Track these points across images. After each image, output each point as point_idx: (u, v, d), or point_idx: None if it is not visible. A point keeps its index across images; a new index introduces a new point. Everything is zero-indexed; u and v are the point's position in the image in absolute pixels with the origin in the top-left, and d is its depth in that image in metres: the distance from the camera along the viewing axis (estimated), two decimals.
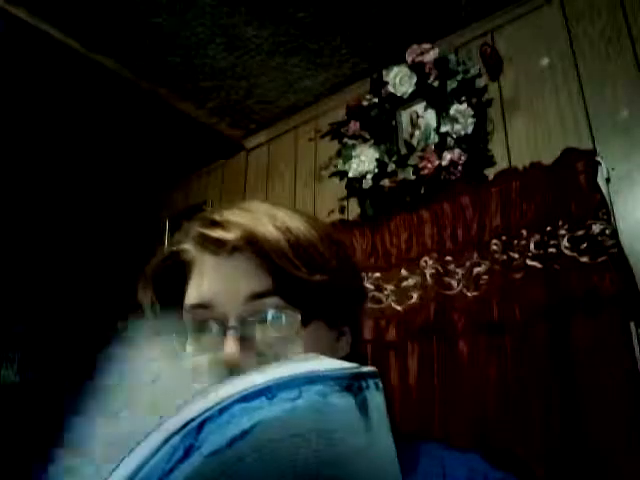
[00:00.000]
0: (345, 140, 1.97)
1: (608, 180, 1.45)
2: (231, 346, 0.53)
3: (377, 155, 1.85)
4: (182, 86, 2.14)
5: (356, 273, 0.71)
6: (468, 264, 1.57)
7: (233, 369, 0.52)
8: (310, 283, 0.56)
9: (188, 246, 0.61)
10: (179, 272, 0.61)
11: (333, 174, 2.00)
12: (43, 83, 2.03)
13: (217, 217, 0.59)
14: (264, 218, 0.58)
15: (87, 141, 2.38)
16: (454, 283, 1.58)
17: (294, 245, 0.56)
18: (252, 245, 0.56)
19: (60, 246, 2.73)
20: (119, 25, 1.83)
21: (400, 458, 0.57)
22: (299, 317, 0.56)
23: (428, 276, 1.63)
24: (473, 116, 1.69)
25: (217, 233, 0.57)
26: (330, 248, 0.60)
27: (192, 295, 0.58)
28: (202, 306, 0.57)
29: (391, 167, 1.82)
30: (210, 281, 0.57)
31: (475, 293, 1.53)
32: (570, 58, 1.64)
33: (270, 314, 0.56)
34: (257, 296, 0.55)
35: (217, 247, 0.57)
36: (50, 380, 2.48)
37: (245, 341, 0.54)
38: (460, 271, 1.58)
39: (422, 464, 0.57)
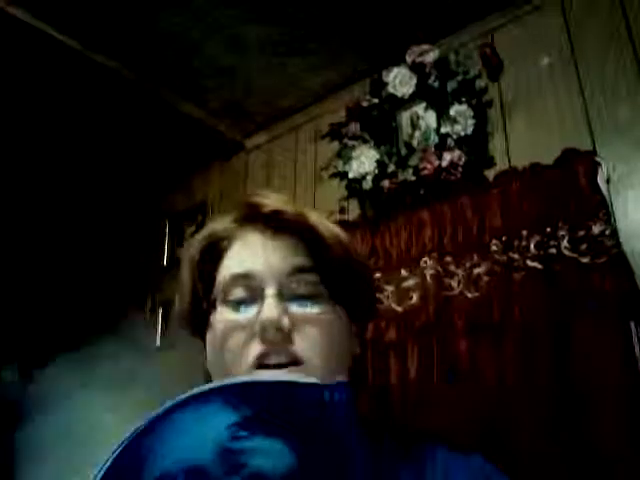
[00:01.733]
0: (345, 141, 1.97)
1: (608, 181, 1.45)
2: (271, 308, 0.56)
3: (377, 156, 1.85)
4: (182, 86, 2.14)
5: (374, 278, 0.77)
6: (468, 265, 1.57)
7: (268, 333, 0.55)
8: (345, 268, 0.60)
9: (231, 224, 0.64)
10: (218, 247, 0.64)
11: (333, 175, 1.99)
12: (43, 83, 2.02)
13: (268, 196, 0.63)
14: (304, 208, 0.64)
15: (87, 141, 2.38)
16: (454, 284, 1.58)
17: (333, 234, 0.62)
18: (303, 224, 0.60)
19: (60, 246, 2.73)
20: (119, 25, 1.83)
21: (405, 460, 0.57)
22: (332, 298, 0.59)
23: (428, 277, 1.63)
24: (473, 117, 1.69)
25: (272, 205, 0.61)
26: (357, 249, 0.66)
27: (234, 265, 0.61)
28: (244, 276, 0.59)
29: (391, 168, 1.82)
30: (254, 253, 0.60)
31: (475, 294, 1.53)
32: (570, 58, 1.64)
33: (306, 290, 0.59)
34: (298, 270, 0.59)
35: (262, 223, 0.61)
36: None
37: (282, 310, 0.57)
38: (460, 272, 1.58)
39: (426, 466, 0.57)
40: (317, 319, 0.58)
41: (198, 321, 0.64)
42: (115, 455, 0.38)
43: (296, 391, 0.41)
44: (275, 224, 0.60)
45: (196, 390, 0.41)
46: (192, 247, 0.66)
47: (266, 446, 0.39)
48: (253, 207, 0.62)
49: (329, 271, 0.59)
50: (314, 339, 0.57)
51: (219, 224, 0.65)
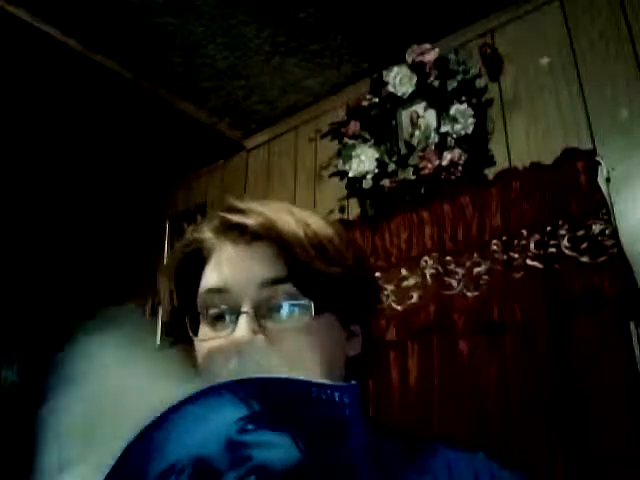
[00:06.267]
0: (345, 140, 1.97)
1: (608, 180, 1.45)
2: (243, 329, 0.54)
3: (377, 155, 1.85)
4: (182, 86, 2.14)
5: (371, 273, 0.72)
6: (468, 264, 1.57)
7: (243, 352, 0.53)
8: (325, 274, 0.56)
9: (209, 234, 0.62)
10: (198, 260, 0.62)
11: (333, 174, 2.00)
12: (43, 83, 2.02)
13: (239, 205, 0.61)
14: (283, 211, 0.60)
15: (87, 141, 2.38)
16: (454, 283, 1.58)
17: (311, 237, 0.58)
18: (270, 232, 0.57)
19: (60, 246, 2.73)
20: (119, 25, 1.83)
21: (409, 460, 0.57)
22: (312, 307, 0.56)
23: (428, 276, 1.63)
24: (473, 116, 1.69)
25: (238, 218, 0.58)
26: (346, 246, 0.62)
27: (208, 279, 0.60)
28: (218, 290, 0.58)
29: (391, 167, 1.82)
30: (227, 266, 0.58)
31: (475, 293, 1.53)
32: (570, 58, 1.64)
33: (283, 301, 0.57)
34: (272, 282, 0.56)
35: (237, 233, 0.59)
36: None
37: (257, 326, 0.55)
38: (460, 271, 1.58)
39: (430, 466, 0.57)
40: (295, 332, 0.55)
41: (181, 331, 0.62)
42: (125, 449, 0.38)
43: (307, 390, 0.41)
44: (246, 235, 0.58)
45: (206, 386, 0.41)
46: (171, 258, 0.65)
47: (273, 440, 0.39)
48: (223, 219, 0.60)
49: (306, 280, 0.56)
50: (292, 354, 0.55)
51: (198, 234, 0.63)
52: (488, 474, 0.56)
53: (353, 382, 0.44)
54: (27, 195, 2.61)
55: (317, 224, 0.60)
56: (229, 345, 0.55)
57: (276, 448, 0.39)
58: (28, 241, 2.67)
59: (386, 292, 1.69)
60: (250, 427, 0.39)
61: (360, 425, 0.42)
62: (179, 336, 0.63)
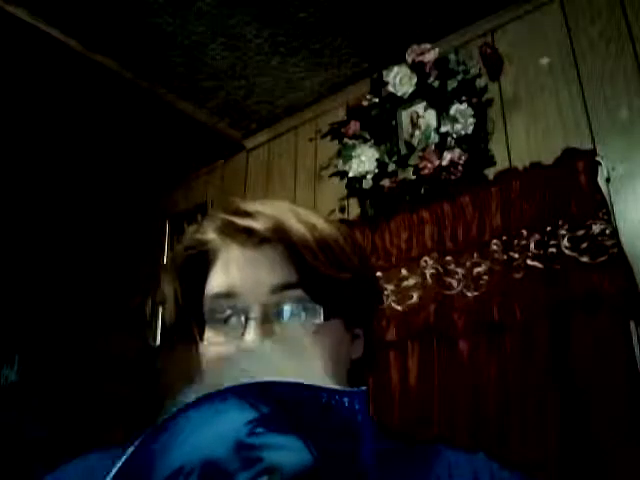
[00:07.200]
0: (345, 140, 1.97)
1: (608, 180, 1.45)
2: (252, 334, 0.54)
3: (377, 155, 1.85)
4: (182, 86, 2.14)
5: (374, 275, 0.72)
6: (468, 264, 1.57)
7: (252, 358, 0.52)
8: (335, 280, 0.56)
9: (213, 235, 0.61)
10: (202, 261, 0.61)
11: (333, 174, 1.99)
12: (43, 83, 2.03)
13: (246, 207, 0.59)
14: (288, 213, 0.59)
15: (87, 141, 2.38)
16: (454, 283, 1.58)
17: (320, 241, 0.57)
18: (281, 237, 0.56)
19: (60, 246, 2.73)
20: (119, 25, 1.83)
21: (410, 461, 0.57)
22: (321, 312, 0.56)
23: (428, 276, 1.63)
24: (473, 116, 1.69)
25: (246, 222, 0.57)
26: (352, 247, 0.61)
27: (216, 283, 0.58)
28: (226, 295, 0.57)
29: (391, 167, 1.82)
30: (236, 270, 0.57)
31: (475, 293, 1.53)
32: (570, 58, 1.64)
33: (292, 306, 0.56)
34: (282, 287, 0.56)
35: (245, 237, 0.58)
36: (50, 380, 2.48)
37: (266, 331, 0.55)
38: (460, 271, 1.58)
39: (430, 466, 0.57)
40: (303, 338, 0.55)
41: (184, 332, 0.62)
42: (129, 452, 0.38)
43: (316, 395, 0.41)
44: (253, 238, 0.57)
45: (214, 390, 0.41)
46: (174, 258, 0.64)
47: (284, 443, 0.39)
48: (229, 222, 0.59)
49: (315, 285, 0.56)
50: (300, 359, 0.53)
51: (201, 235, 0.61)
52: (488, 474, 0.56)
53: (363, 388, 0.44)
54: (27, 195, 2.61)
55: (323, 226, 0.59)
56: (238, 350, 0.54)
57: (287, 450, 0.39)
58: (28, 241, 2.67)
59: (386, 292, 1.69)
60: (259, 430, 0.39)
61: (370, 431, 0.42)
62: (181, 336, 0.63)
